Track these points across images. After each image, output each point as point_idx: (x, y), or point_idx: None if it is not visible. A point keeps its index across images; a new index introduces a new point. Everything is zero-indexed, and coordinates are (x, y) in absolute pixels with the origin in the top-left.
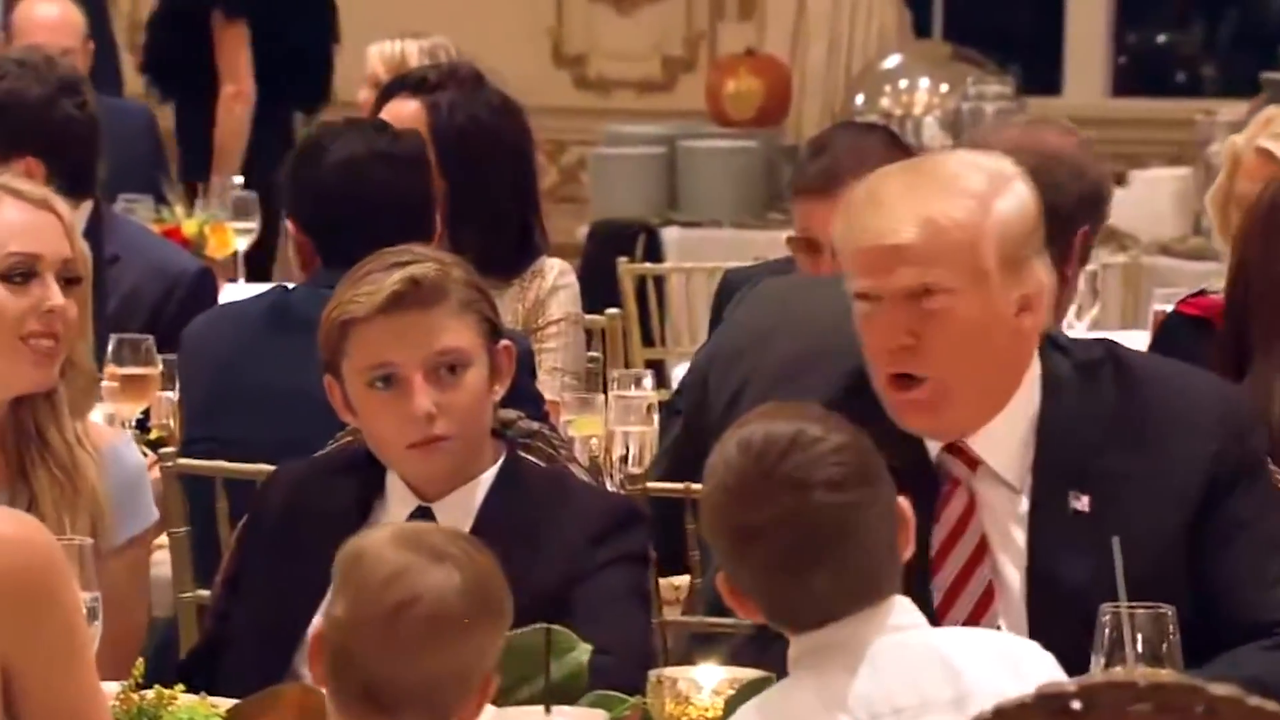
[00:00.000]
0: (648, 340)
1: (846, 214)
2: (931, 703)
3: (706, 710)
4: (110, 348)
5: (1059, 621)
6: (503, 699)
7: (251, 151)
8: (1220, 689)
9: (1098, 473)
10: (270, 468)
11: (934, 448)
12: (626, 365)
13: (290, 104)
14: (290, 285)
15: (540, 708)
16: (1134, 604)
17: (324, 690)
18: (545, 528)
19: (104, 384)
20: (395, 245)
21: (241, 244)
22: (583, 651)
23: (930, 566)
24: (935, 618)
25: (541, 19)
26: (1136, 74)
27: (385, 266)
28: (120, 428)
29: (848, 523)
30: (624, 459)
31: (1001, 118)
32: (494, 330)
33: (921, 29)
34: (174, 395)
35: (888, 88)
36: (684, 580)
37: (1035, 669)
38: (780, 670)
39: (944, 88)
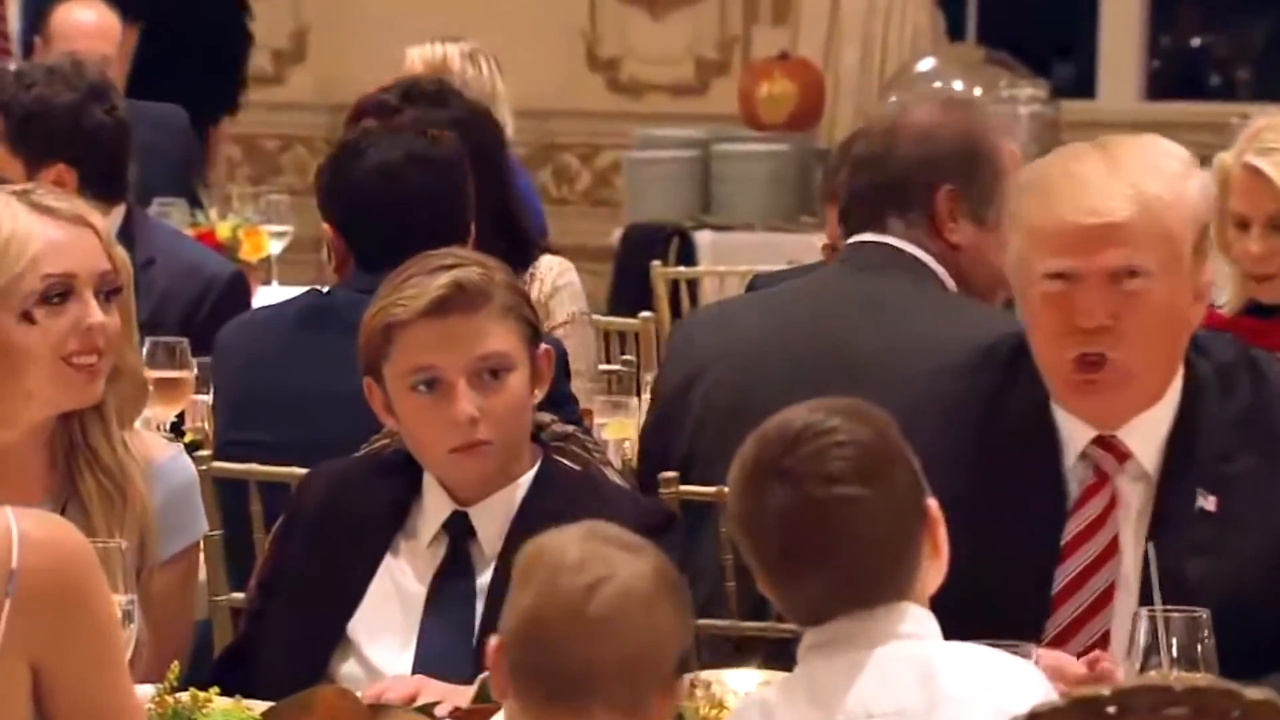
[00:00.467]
0: None
1: (1041, 192)
2: (907, 711)
3: None
4: (145, 351)
5: None
6: None
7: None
8: (1255, 693)
9: (1228, 475)
10: (304, 470)
11: (1084, 439)
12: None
13: (200, 110)
14: (323, 288)
15: None
16: (1169, 608)
17: (507, 703)
18: None
19: None
20: (430, 248)
21: (275, 247)
22: None
23: (1059, 555)
24: (1051, 606)
25: (575, 22)
26: (1170, 77)
27: (428, 270)
28: (155, 430)
29: (842, 517)
30: None
31: (1033, 121)
32: (535, 334)
33: (955, 32)
34: (208, 398)
35: (921, 91)
36: None
37: (1018, 688)
38: None
39: (977, 91)
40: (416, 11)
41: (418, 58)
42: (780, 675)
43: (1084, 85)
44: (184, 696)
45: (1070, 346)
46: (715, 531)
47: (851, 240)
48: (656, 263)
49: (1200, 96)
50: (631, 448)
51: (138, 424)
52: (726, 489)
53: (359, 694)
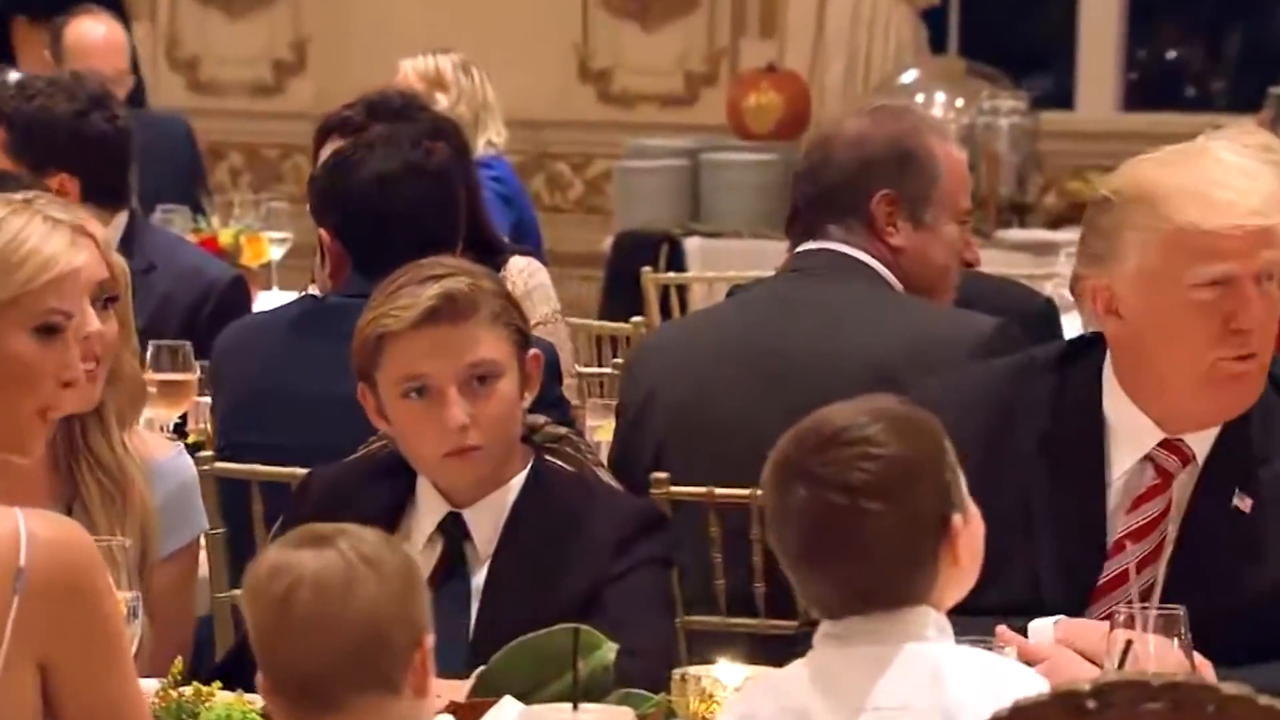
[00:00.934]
0: None
1: (1192, 196)
2: (911, 708)
3: None
4: (149, 354)
5: (1199, 615)
6: (531, 696)
7: None
8: (1231, 689)
9: (1266, 477)
10: (304, 471)
11: (1152, 441)
12: None
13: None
14: (318, 294)
15: (568, 705)
16: (1146, 605)
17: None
18: (572, 531)
19: None
20: (426, 255)
21: (276, 253)
22: (609, 650)
23: (1106, 551)
24: (1088, 599)
25: (568, 35)
26: (1147, 89)
27: (419, 280)
28: (158, 432)
29: (854, 528)
30: None
31: (1013, 131)
32: (524, 339)
33: (937, 45)
34: (210, 400)
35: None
36: None
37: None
38: None
39: (959, 102)
40: (412, 24)
41: (411, 69)
42: (767, 669)
43: (1063, 97)
44: (187, 691)
45: (1234, 346)
46: (704, 531)
47: (798, 250)
48: (647, 269)
49: (1176, 107)
50: None
51: (140, 425)
52: (716, 490)
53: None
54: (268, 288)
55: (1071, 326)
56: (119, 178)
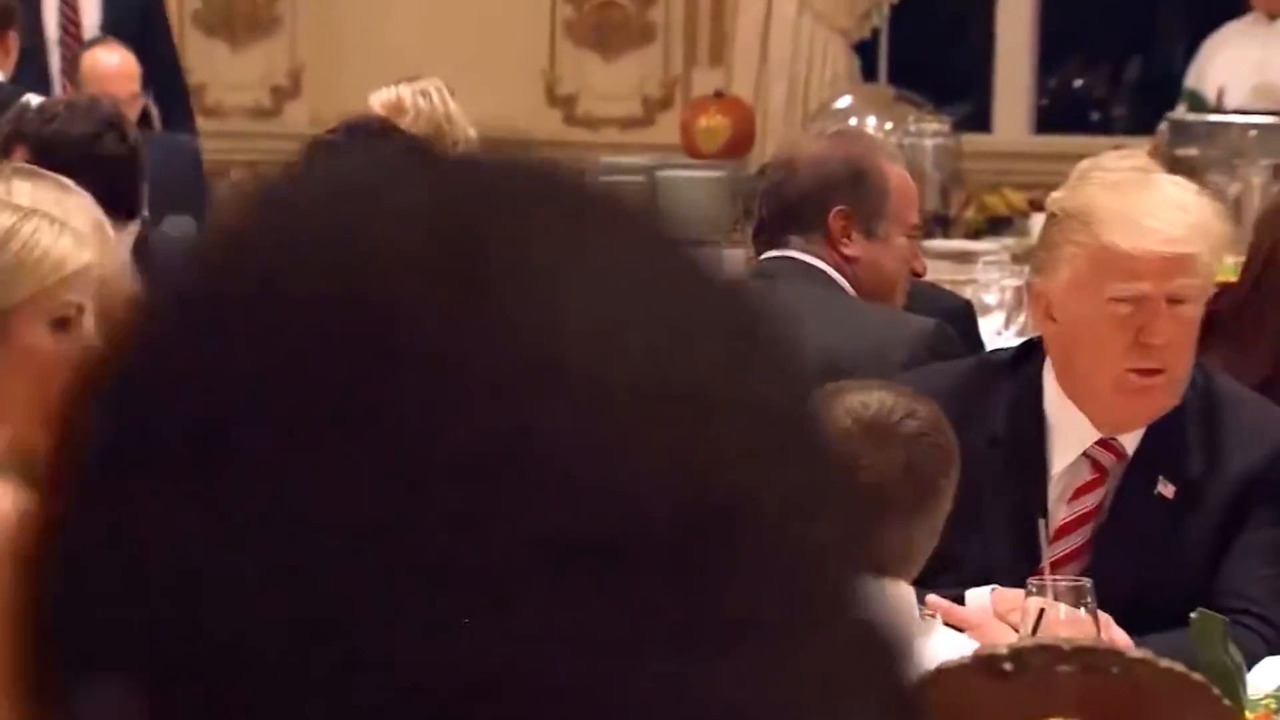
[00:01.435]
0: None
1: (1121, 220)
2: None
3: None
4: None
5: (1125, 593)
6: None
7: None
8: (1136, 653)
9: (1192, 466)
10: None
11: (1089, 439)
12: None
13: None
14: None
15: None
16: (1056, 577)
17: None
18: None
19: None
20: None
21: None
22: None
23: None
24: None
25: (537, 64)
26: (1056, 114)
27: None
28: None
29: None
30: None
31: (937, 151)
32: None
33: (869, 74)
34: None
35: (836, 124)
36: None
37: None
38: None
39: (888, 125)
40: (398, 54)
41: (376, 101)
42: None
43: (980, 120)
44: None
45: (1134, 360)
46: None
47: (762, 257)
48: None
49: (1082, 130)
50: None
51: None
52: None
53: None
54: None
55: (988, 326)
56: (130, 192)
